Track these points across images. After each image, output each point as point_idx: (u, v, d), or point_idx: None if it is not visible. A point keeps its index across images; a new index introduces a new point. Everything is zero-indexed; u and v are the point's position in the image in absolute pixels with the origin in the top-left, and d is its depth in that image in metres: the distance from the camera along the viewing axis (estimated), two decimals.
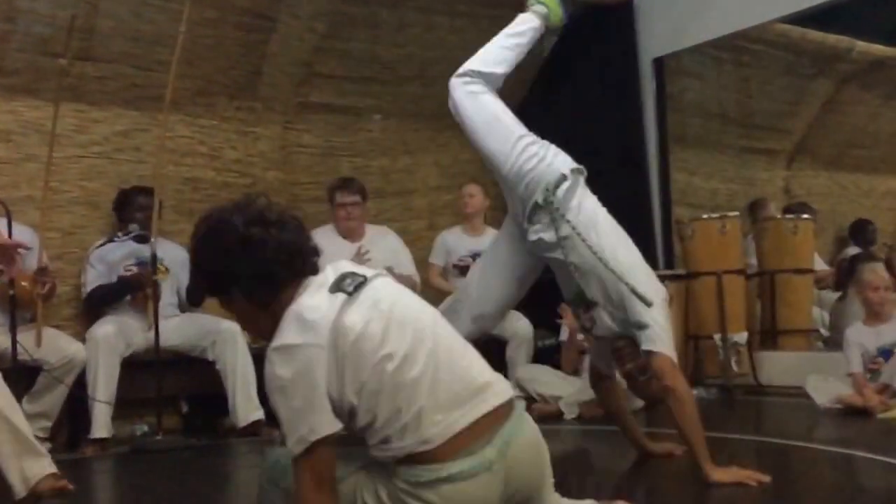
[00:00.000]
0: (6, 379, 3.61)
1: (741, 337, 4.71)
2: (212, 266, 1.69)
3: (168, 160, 4.63)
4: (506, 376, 4.71)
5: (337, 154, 5.22)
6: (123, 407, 3.95)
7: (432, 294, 5.01)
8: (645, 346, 2.56)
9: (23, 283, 3.75)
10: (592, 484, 2.93)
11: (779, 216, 5.34)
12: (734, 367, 4.66)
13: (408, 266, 4.71)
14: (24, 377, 3.71)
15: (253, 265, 1.63)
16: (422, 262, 4.92)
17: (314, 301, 1.60)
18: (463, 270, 4.93)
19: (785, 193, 6.21)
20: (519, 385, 4.52)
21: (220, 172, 4.88)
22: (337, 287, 1.63)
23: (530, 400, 4.44)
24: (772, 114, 6.30)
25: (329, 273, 1.68)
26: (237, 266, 1.64)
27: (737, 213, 5.03)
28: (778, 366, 4.79)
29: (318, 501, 1.54)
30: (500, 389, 1.70)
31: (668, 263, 5.21)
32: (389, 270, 4.30)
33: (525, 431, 1.70)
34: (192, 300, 4.26)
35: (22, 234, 3.86)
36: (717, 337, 4.69)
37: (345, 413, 1.57)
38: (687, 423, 2.56)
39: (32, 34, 4.22)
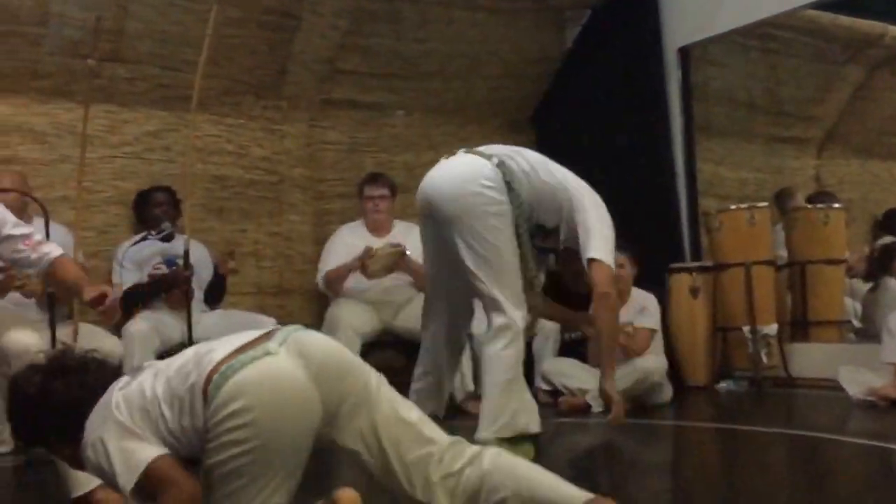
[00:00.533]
0: None
1: (771, 329, 4.67)
2: (36, 423, 1.79)
3: (196, 159, 4.69)
4: (532, 370, 4.74)
5: (361, 150, 5.25)
6: None
7: None
8: (588, 255, 2.83)
9: None
10: (621, 477, 2.94)
11: (809, 206, 5.28)
12: (764, 360, 4.62)
13: None
14: None
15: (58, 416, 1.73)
16: None
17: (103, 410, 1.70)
18: None
19: (815, 182, 6.11)
20: (545, 378, 4.53)
21: (248, 170, 4.93)
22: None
23: (557, 393, 4.44)
24: (801, 101, 6.21)
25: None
26: (55, 424, 1.75)
27: (766, 203, 4.97)
28: (809, 358, 4.74)
29: None
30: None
31: (695, 255, 5.18)
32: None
33: (302, 330, 1.73)
34: (210, 301, 4.35)
35: (58, 233, 3.96)
36: (746, 329, 4.65)
37: (182, 442, 1.64)
38: (609, 330, 2.91)
39: (63, 37, 4.30)
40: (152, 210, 4.36)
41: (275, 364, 1.61)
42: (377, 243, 4.56)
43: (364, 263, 4.34)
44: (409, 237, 4.73)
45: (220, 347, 1.67)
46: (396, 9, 5.06)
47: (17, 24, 4.18)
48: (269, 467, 1.57)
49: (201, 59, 3.87)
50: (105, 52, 4.28)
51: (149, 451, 1.60)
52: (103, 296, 2.90)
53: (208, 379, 1.59)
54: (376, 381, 1.77)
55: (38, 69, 4.33)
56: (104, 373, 1.79)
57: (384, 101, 5.35)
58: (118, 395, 1.69)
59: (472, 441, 1.90)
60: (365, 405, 1.71)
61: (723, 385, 4.72)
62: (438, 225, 2.84)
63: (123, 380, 1.74)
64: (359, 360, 1.78)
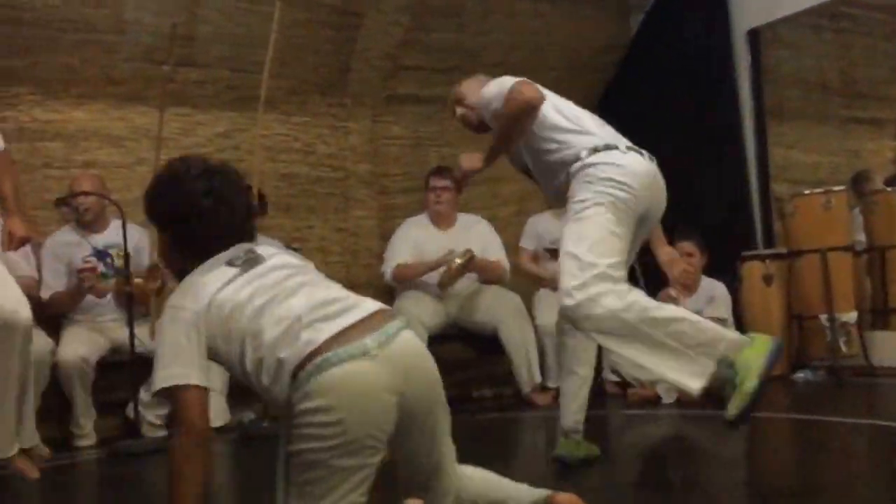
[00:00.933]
0: (126, 368, 3.87)
1: (850, 316, 4.53)
2: (161, 207, 1.84)
3: (265, 157, 4.80)
4: (600, 360, 4.70)
5: (425, 144, 5.28)
6: (231, 395, 4.12)
7: (521, 279, 5.04)
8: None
9: (137, 280, 3.98)
10: (694, 470, 2.90)
11: (888, 189, 5.10)
12: (843, 349, 4.49)
13: (496, 253, 4.74)
14: (141, 368, 3.94)
15: (193, 229, 1.79)
16: (511, 248, 4.94)
17: (209, 274, 1.73)
18: (554, 254, 4.92)
19: (893, 165, 5.91)
20: (614, 369, 4.50)
21: (314, 167, 5.02)
22: (231, 262, 1.75)
23: (627, 384, 4.41)
24: (877, 81, 5.99)
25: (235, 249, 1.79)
26: (180, 221, 1.80)
27: (842, 186, 4.83)
28: (890, 346, 4.58)
29: (185, 445, 1.61)
30: (370, 305, 1.71)
31: (767, 242, 5.06)
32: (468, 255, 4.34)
33: (407, 333, 1.69)
34: None
35: (134, 233, 4.11)
36: (823, 317, 4.53)
37: (247, 373, 1.65)
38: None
39: (139, 44, 4.45)
40: None
41: (370, 372, 1.60)
42: (441, 236, 4.59)
43: (441, 281, 4.40)
44: (471, 230, 4.75)
45: (321, 322, 1.62)
46: (458, 2, 5.08)
47: (94, 33, 4.34)
48: (348, 466, 1.59)
49: (267, 59, 3.97)
50: (178, 57, 4.41)
51: (188, 374, 1.63)
52: (11, 235, 3.02)
53: (301, 364, 1.58)
54: (445, 426, 1.80)
55: (114, 75, 4.49)
56: (244, 224, 1.85)
57: (447, 95, 5.34)
58: (216, 293, 1.69)
59: None
60: (432, 439, 1.76)
61: (800, 375, 4.60)
62: (641, 225, 2.74)
63: (228, 272, 1.73)
64: (442, 397, 1.77)
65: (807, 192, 4.79)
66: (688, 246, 4.29)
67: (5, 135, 4.26)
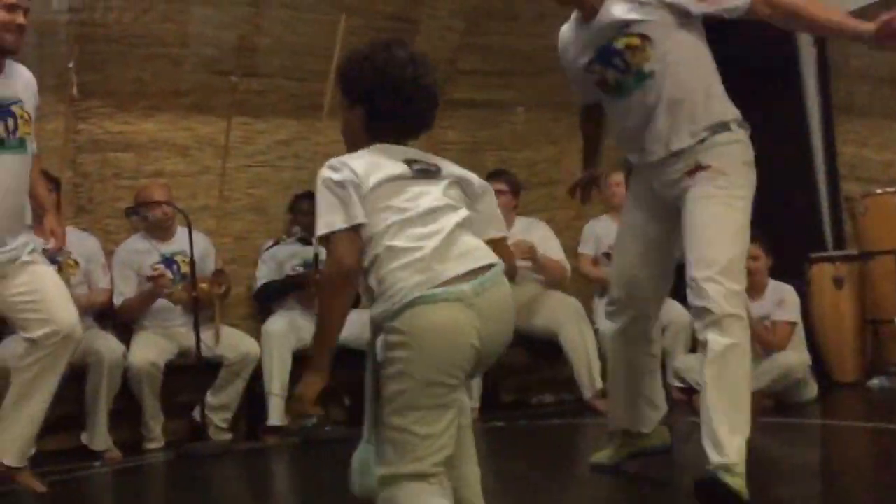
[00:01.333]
0: (193, 372, 3.96)
1: None
2: (364, 77, 1.81)
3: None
4: (663, 365, 4.62)
5: (482, 148, 5.28)
6: (294, 398, 4.17)
7: (580, 283, 4.99)
8: None
9: (202, 286, 4.07)
10: (765, 480, 2.82)
11: None
12: None
13: (556, 254, 4.70)
14: (207, 372, 4.03)
15: (394, 105, 1.79)
16: (569, 252, 4.89)
17: (385, 157, 1.75)
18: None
19: None
20: (677, 375, 4.41)
21: None
22: (408, 161, 1.76)
23: (691, 390, 4.32)
24: None
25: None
26: (382, 94, 1.79)
27: None
28: None
29: (333, 276, 1.70)
30: (483, 254, 1.73)
31: (837, 243, 4.91)
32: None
33: (503, 283, 1.72)
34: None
35: (199, 240, 4.21)
36: None
37: (361, 269, 1.69)
38: None
39: (202, 56, 4.56)
40: (298, 217, 4.55)
41: (460, 317, 1.63)
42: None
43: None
44: (530, 233, 4.73)
45: (439, 264, 1.65)
46: (512, 6, 5.06)
47: (161, 47, 4.47)
48: (417, 398, 1.63)
49: (333, 68, 4.02)
50: (242, 68, 4.51)
51: (334, 222, 1.68)
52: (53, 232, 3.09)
53: (405, 295, 1.63)
54: None
55: (180, 87, 4.61)
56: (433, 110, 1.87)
57: (503, 99, 5.36)
58: (384, 181, 1.71)
59: None
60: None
61: (875, 381, 4.44)
62: None
63: (401, 168, 1.74)
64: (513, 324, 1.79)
65: (879, 190, 4.66)
66: (752, 248, 4.18)
67: (80, 147, 4.44)
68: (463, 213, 1.77)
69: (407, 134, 1.84)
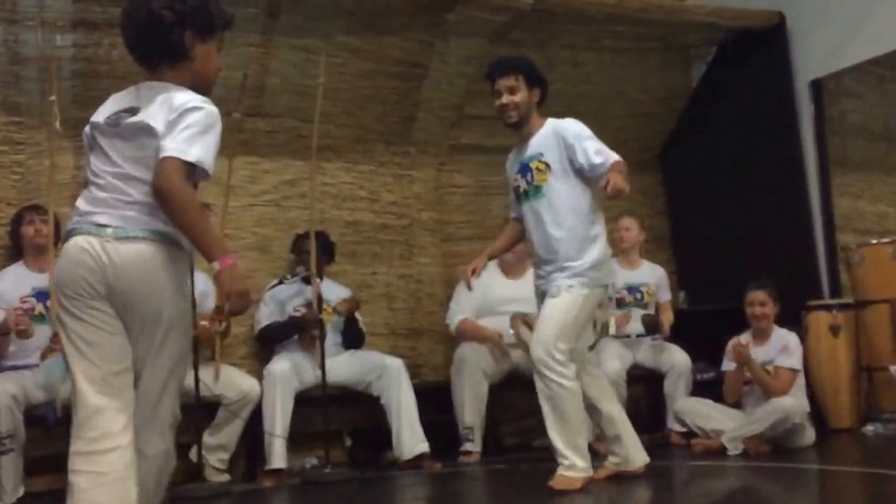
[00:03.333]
0: (191, 412, 3.92)
1: None
2: None
3: (331, 205, 4.90)
4: (664, 409, 4.63)
5: (489, 193, 5.31)
6: (293, 440, 4.12)
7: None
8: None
9: (202, 323, 4.05)
10: None
11: None
12: None
13: None
14: (205, 411, 3.99)
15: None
16: None
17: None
18: (619, 303, 4.89)
19: None
20: (678, 419, 4.43)
21: (379, 214, 5.09)
22: None
23: (691, 434, 4.33)
24: None
25: None
26: None
27: None
28: None
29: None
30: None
31: (833, 292, 4.97)
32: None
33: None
34: (348, 345, 4.48)
35: (200, 279, 4.19)
36: (893, 368, 4.42)
37: None
38: None
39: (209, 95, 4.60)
40: (301, 256, 4.51)
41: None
42: (510, 285, 4.59)
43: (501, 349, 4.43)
44: None
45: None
46: (522, 54, 5.15)
47: None
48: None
49: (317, 108, 4.09)
50: (248, 108, 4.56)
51: None
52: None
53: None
54: None
55: None
56: None
57: (511, 145, 5.38)
58: None
59: None
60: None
61: (870, 428, 4.47)
62: None
63: None
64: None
65: (874, 241, 4.73)
66: (760, 295, 4.26)
67: (82, 186, 4.43)
68: None
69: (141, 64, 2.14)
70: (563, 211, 3.36)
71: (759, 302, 4.25)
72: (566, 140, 3.37)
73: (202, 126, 1.98)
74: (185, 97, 2.00)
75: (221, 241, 2.35)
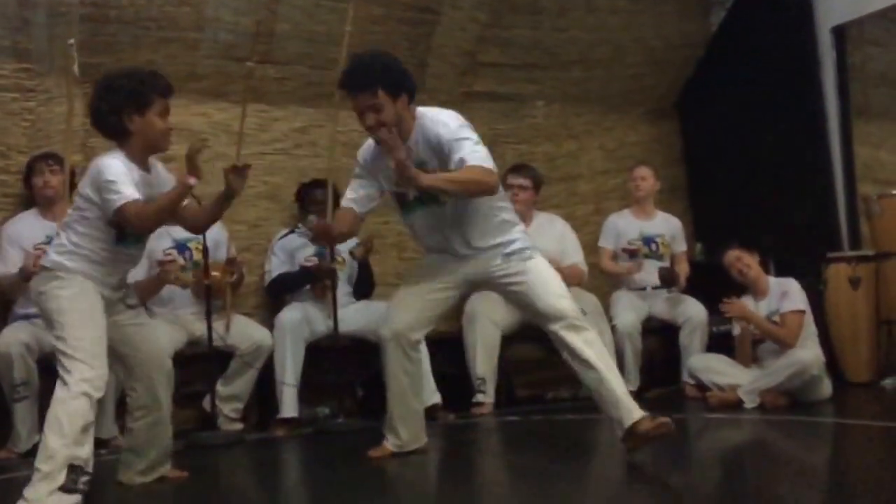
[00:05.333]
0: (203, 361, 3.92)
1: None
2: None
3: (341, 153, 4.82)
4: (679, 362, 4.60)
5: (502, 142, 5.23)
6: (306, 390, 4.14)
7: (602, 279, 4.97)
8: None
9: (214, 273, 4.03)
10: (774, 477, 2.80)
11: None
12: None
13: (574, 255, 4.67)
14: (218, 362, 4.00)
15: None
16: (588, 247, 4.87)
17: None
18: (633, 254, 4.84)
19: None
20: (692, 374, 4.39)
21: None
22: None
23: (705, 389, 4.30)
24: None
25: None
26: None
27: None
28: None
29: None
30: None
31: (853, 243, 4.90)
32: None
33: None
34: (359, 294, 4.44)
35: (212, 227, 4.16)
36: None
37: None
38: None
39: (219, 41, 4.52)
40: (311, 206, 4.46)
41: None
42: None
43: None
44: (550, 228, 4.70)
45: None
46: None
47: (176, 31, 4.42)
48: None
49: (342, 56, 3.99)
50: (258, 54, 4.47)
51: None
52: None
53: None
54: None
55: (195, 72, 4.57)
56: None
57: (524, 92, 5.34)
58: None
59: None
60: None
61: (888, 381, 4.45)
62: None
63: None
64: None
65: (894, 192, 4.65)
66: (733, 253, 4.26)
67: (90, 130, 4.36)
68: None
69: None
70: (469, 210, 3.09)
71: (736, 258, 4.21)
72: (443, 151, 3.01)
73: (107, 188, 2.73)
74: (94, 171, 2.78)
75: (169, 193, 2.86)
